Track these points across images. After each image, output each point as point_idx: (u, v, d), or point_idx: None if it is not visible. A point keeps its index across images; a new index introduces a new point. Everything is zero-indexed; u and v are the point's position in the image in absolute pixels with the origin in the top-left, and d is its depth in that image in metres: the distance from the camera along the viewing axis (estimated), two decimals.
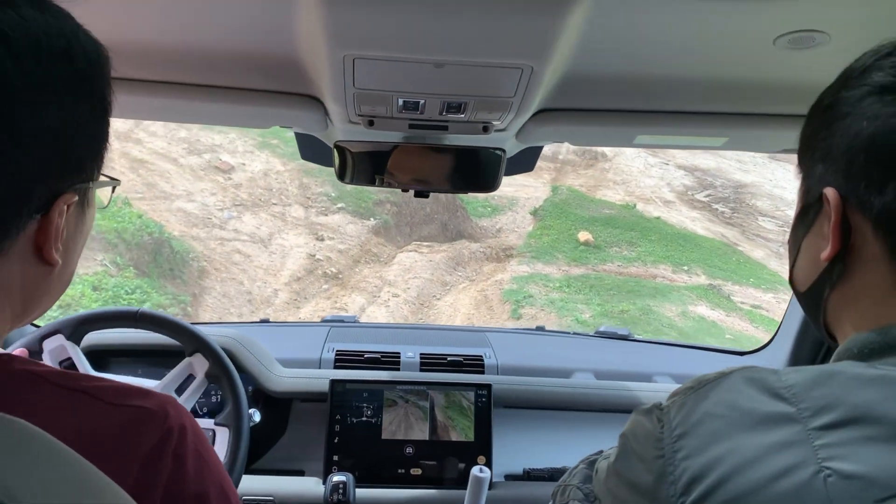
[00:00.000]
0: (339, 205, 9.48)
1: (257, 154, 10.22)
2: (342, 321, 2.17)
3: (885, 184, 0.59)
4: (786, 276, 0.76)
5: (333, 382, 1.68)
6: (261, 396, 1.70)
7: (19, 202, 0.54)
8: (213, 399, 1.73)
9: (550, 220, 10.40)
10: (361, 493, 1.53)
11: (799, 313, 1.76)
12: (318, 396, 1.68)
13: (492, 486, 1.57)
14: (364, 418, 1.66)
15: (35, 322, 1.75)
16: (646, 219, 10.82)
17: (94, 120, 0.61)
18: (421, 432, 1.66)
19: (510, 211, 10.81)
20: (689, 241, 10.27)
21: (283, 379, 1.70)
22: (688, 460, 0.55)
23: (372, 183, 1.42)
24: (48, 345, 1.45)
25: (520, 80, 1.00)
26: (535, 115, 1.20)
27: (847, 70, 0.65)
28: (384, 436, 1.65)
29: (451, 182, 1.42)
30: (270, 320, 2.27)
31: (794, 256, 0.72)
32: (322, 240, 8.88)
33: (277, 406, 1.74)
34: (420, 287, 8.32)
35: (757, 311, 8.49)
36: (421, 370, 1.81)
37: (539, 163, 1.63)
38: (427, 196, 1.46)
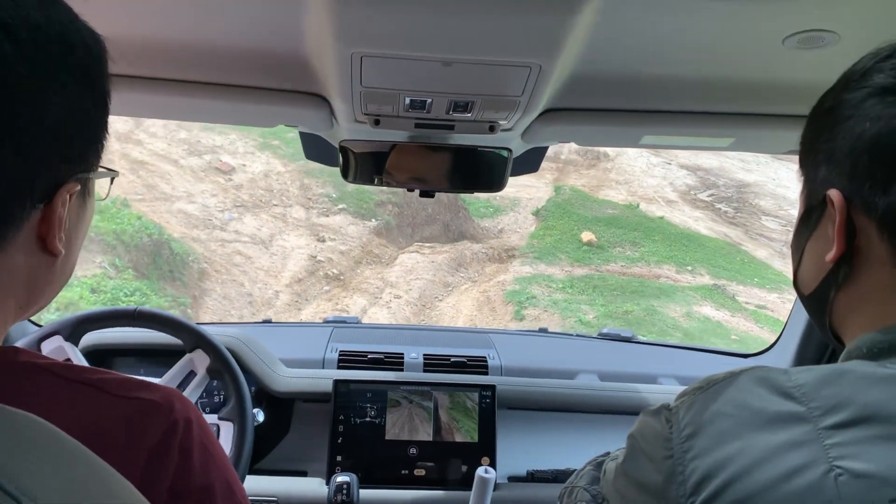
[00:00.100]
0: (341, 206, 9.47)
1: (258, 155, 10.22)
2: (344, 322, 2.17)
3: (889, 184, 0.59)
4: (790, 275, 0.76)
5: (337, 382, 1.67)
6: (264, 396, 1.69)
7: (23, 191, 0.54)
8: (217, 399, 1.72)
9: (553, 221, 10.40)
10: (365, 493, 1.54)
11: (804, 315, 1.74)
12: (322, 396, 1.67)
13: (495, 487, 1.56)
14: (368, 419, 1.65)
15: (33, 319, 1.78)
16: (649, 219, 10.82)
17: (95, 108, 0.60)
18: (425, 433, 1.65)
19: (512, 211, 10.81)
20: (692, 240, 10.27)
21: (286, 379, 1.69)
22: (697, 460, 0.55)
23: (377, 183, 1.41)
24: (46, 346, 1.44)
25: (528, 79, 1.00)
26: (541, 114, 1.19)
27: (847, 73, 0.65)
28: (388, 436, 1.64)
29: (457, 182, 1.42)
30: (273, 321, 2.26)
31: (798, 259, 0.72)
32: (323, 241, 8.88)
33: (280, 406, 1.73)
34: (422, 288, 8.31)
35: (762, 312, 8.47)
36: (424, 371, 1.81)
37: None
38: (432, 196, 1.46)
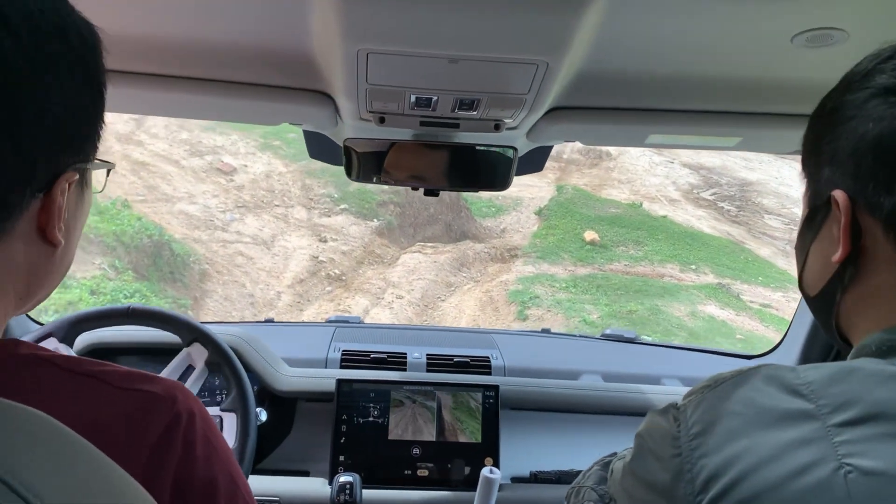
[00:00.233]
0: (342, 206, 9.46)
1: (259, 155, 10.22)
2: (347, 322, 2.17)
3: (893, 184, 0.59)
4: (794, 274, 0.75)
5: (340, 382, 1.67)
6: (267, 396, 1.69)
7: (23, 180, 0.55)
8: (219, 397, 1.72)
9: (555, 220, 10.40)
10: (368, 493, 1.54)
11: (808, 316, 1.74)
12: (325, 396, 1.67)
13: (499, 488, 1.55)
14: (371, 418, 1.65)
15: (36, 319, 1.81)
16: (652, 217, 10.81)
17: (91, 98, 0.61)
18: (428, 433, 1.65)
19: (514, 211, 10.82)
20: (696, 239, 10.26)
21: (289, 378, 1.69)
22: (705, 458, 0.55)
23: (381, 181, 1.42)
24: None
25: (534, 77, 0.99)
26: (546, 113, 1.19)
27: (849, 74, 0.66)
28: (391, 436, 1.64)
29: (461, 180, 1.42)
30: (275, 320, 2.26)
31: (803, 261, 0.72)
32: (325, 241, 8.87)
33: (283, 406, 1.73)
34: (424, 288, 8.30)
35: (767, 310, 8.46)
36: (427, 371, 1.81)
37: None
38: (437, 194, 1.46)
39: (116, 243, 7.08)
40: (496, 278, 8.80)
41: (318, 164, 1.57)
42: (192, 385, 1.46)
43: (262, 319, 2.26)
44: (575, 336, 2.45)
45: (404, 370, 1.80)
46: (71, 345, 1.47)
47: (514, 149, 1.35)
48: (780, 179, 12.17)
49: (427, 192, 1.45)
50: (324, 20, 0.90)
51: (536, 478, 1.67)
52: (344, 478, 1.48)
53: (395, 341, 1.96)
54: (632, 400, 1.75)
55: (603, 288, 8.62)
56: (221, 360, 1.48)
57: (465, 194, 9.87)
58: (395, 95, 1.09)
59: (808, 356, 1.75)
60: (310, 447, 1.69)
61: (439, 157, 1.36)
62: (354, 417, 1.64)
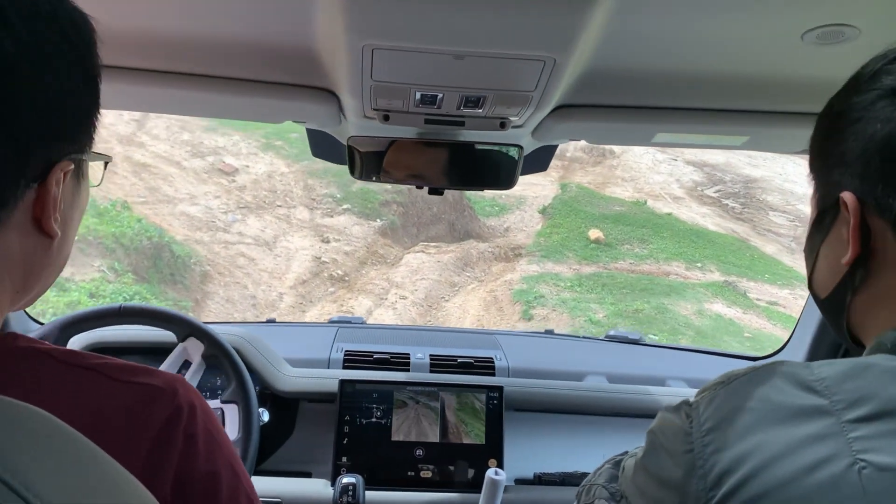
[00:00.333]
0: (345, 206, 9.46)
1: (261, 156, 10.23)
2: (350, 322, 2.16)
3: None
4: (800, 271, 0.71)
5: (343, 382, 1.66)
6: (269, 396, 1.68)
7: (17, 171, 0.55)
8: (219, 394, 1.69)
9: (560, 219, 10.41)
10: (371, 495, 1.53)
11: (814, 317, 1.73)
12: (327, 396, 1.66)
13: (503, 490, 1.56)
14: (373, 419, 1.64)
15: (36, 318, 1.79)
16: (657, 215, 10.82)
17: (85, 87, 0.61)
18: (432, 434, 1.64)
19: (518, 210, 10.83)
20: (701, 237, 10.25)
21: (291, 378, 1.68)
22: (718, 454, 0.55)
23: (385, 180, 1.41)
24: None
25: (541, 74, 0.98)
26: (552, 111, 1.18)
27: (856, 76, 0.66)
28: (394, 437, 1.63)
29: (466, 179, 1.42)
30: (277, 320, 2.25)
31: (813, 263, 0.72)
32: (328, 242, 8.87)
33: (285, 406, 1.73)
34: (428, 288, 8.30)
35: (774, 308, 8.43)
36: (431, 371, 1.79)
37: None
38: (441, 193, 1.46)
39: (116, 245, 7.08)
40: (500, 278, 8.80)
41: (321, 164, 1.53)
42: (191, 379, 1.45)
43: (264, 320, 2.24)
44: (579, 337, 2.45)
45: (407, 371, 1.78)
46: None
47: (520, 147, 1.34)
48: (785, 176, 12.18)
49: (431, 191, 1.44)
50: (329, 15, 0.89)
51: (540, 480, 1.66)
52: (346, 479, 1.47)
53: (398, 342, 1.95)
54: (637, 401, 1.74)
55: (608, 287, 8.61)
56: (218, 353, 1.47)
57: (469, 193, 9.89)
58: (399, 92, 1.07)
59: (814, 357, 1.72)
60: (312, 448, 1.68)
61: (444, 156, 1.36)
62: (357, 418, 1.63)
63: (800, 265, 9.28)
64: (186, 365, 1.49)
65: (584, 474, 1.59)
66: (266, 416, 1.64)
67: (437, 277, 8.55)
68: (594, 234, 9.87)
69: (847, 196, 0.63)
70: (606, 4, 0.82)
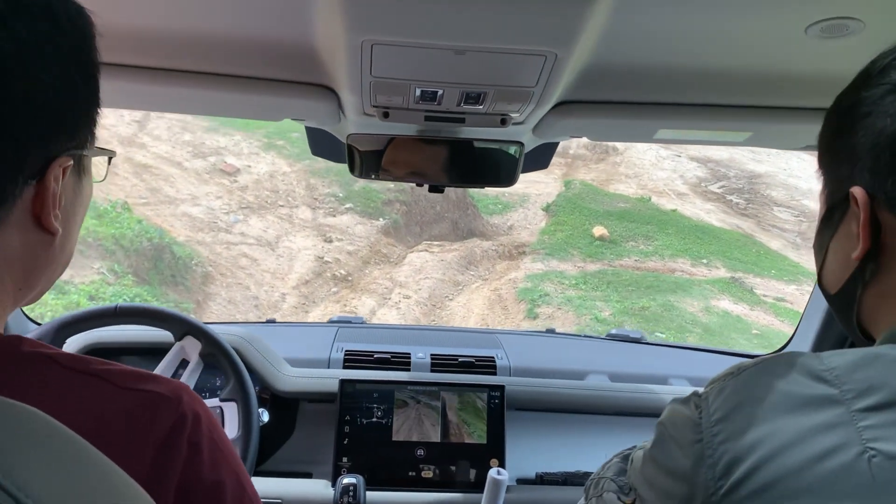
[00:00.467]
0: (348, 205, 9.45)
1: (263, 156, 10.22)
2: (350, 322, 2.16)
3: None
4: (806, 266, 0.68)
5: (343, 382, 1.66)
6: (269, 396, 1.69)
7: (14, 167, 0.55)
8: (219, 394, 1.67)
9: (563, 216, 10.39)
10: (372, 495, 1.53)
11: (818, 312, 1.74)
12: (328, 396, 1.66)
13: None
14: (374, 419, 1.64)
15: (25, 310, 1.76)
16: (661, 212, 10.81)
17: (83, 82, 0.60)
18: (433, 434, 1.64)
19: (522, 207, 10.83)
20: (706, 233, 10.23)
21: (291, 378, 1.68)
22: (727, 443, 0.55)
23: (386, 178, 1.42)
24: None
25: (542, 69, 0.98)
26: (553, 107, 1.18)
27: (864, 71, 0.66)
28: (395, 437, 1.63)
29: (467, 176, 1.42)
30: (277, 321, 2.26)
31: (822, 259, 0.72)
32: (330, 241, 8.86)
33: (285, 407, 1.73)
34: (432, 288, 8.28)
35: (781, 304, 8.41)
36: (432, 371, 1.79)
37: None
38: (442, 191, 1.45)
39: (115, 247, 7.06)
40: (504, 276, 8.78)
41: (323, 164, 1.50)
42: (189, 378, 1.46)
43: (265, 320, 2.24)
44: (580, 336, 2.46)
45: (408, 370, 1.78)
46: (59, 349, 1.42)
47: (521, 144, 1.34)
48: (789, 171, 12.18)
49: (432, 189, 1.43)
50: (328, 10, 0.88)
51: (542, 479, 1.66)
52: (347, 479, 1.46)
53: (399, 341, 1.95)
54: (639, 400, 1.75)
55: (613, 284, 8.59)
56: (215, 351, 1.47)
57: (472, 191, 9.88)
58: (399, 89, 1.07)
59: (819, 351, 1.69)
60: (312, 448, 1.68)
61: (444, 153, 1.35)
62: (358, 418, 1.63)
63: (806, 261, 9.25)
64: (184, 364, 1.48)
65: (587, 474, 1.61)
66: (266, 417, 1.64)
67: (441, 276, 8.53)
68: (598, 231, 9.84)
69: (857, 191, 0.63)
70: None
